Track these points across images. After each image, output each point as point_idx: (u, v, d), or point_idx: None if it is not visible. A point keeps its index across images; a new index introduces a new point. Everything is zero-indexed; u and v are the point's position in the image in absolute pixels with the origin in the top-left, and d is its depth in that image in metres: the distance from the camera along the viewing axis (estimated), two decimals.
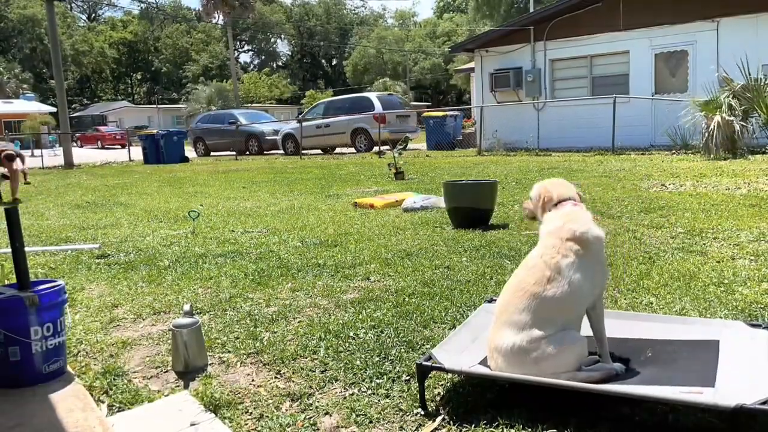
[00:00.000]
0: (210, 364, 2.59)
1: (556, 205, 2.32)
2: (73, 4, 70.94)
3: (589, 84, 15.61)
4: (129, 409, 2.25)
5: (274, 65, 71.17)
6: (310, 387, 2.32)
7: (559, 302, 2.08)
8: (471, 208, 5.40)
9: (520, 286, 2.12)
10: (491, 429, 1.94)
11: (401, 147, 12.26)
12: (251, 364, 2.58)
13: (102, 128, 42.57)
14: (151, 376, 2.53)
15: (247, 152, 21.96)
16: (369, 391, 2.26)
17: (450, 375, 2.26)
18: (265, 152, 22.05)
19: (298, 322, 3.05)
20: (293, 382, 2.38)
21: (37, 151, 25.74)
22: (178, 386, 2.42)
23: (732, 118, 10.83)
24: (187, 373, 2.50)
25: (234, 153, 20.85)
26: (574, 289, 2.09)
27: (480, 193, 5.58)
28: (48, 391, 2.29)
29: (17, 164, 8.33)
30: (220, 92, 43.74)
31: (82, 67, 62.83)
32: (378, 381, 2.33)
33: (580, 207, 2.30)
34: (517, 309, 2.08)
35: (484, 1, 42.31)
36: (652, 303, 3.08)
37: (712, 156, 10.74)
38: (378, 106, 19.08)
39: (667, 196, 6.65)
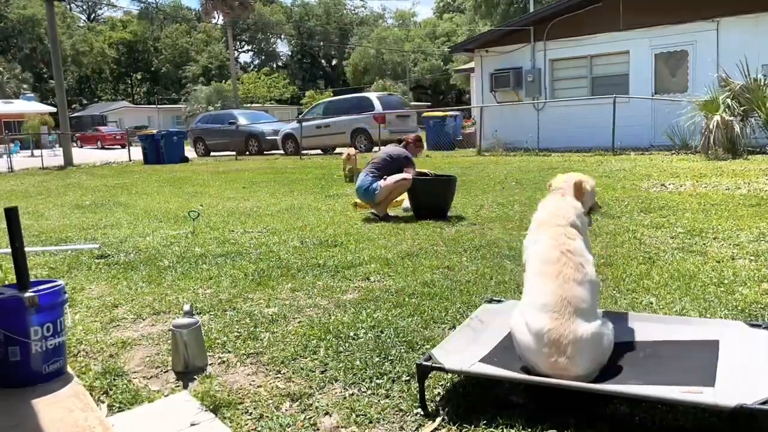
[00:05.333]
0: (210, 364, 2.59)
1: None
2: (72, 4, 70.92)
3: (589, 84, 15.61)
4: (129, 409, 2.25)
5: (274, 65, 71.15)
6: (310, 387, 2.32)
7: (596, 283, 2.21)
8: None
9: (566, 278, 2.12)
10: (491, 429, 1.94)
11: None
12: (251, 364, 2.58)
13: (102, 128, 42.48)
14: (151, 376, 2.53)
15: (247, 152, 21.94)
16: (369, 392, 2.26)
17: (450, 375, 2.26)
18: (265, 152, 22.03)
19: (298, 322, 3.05)
20: (293, 382, 2.38)
21: (37, 151, 25.71)
22: (178, 386, 2.42)
23: (732, 118, 10.83)
24: (187, 374, 2.50)
25: (234, 153, 20.84)
26: (594, 266, 2.23)
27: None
28: (48, 391, 2.29)
29: None
30: (220, 92, 43.70)
31: (82, 67, 62.80)
32: (378, 381, 2.33)
33: (565, 197, 2.43)
34: (580, 299, 2.09)
35: (483, 1, 42.25)
36: (652, 303, 3.08)
37: (711, 156, 10.74)
38: (378, 106, 19.07)
39: (667, 196, 6.65)
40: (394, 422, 2.04)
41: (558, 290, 2.09)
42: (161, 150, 18.31)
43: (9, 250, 2.52)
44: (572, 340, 2.02)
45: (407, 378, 2.32)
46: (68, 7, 66.92)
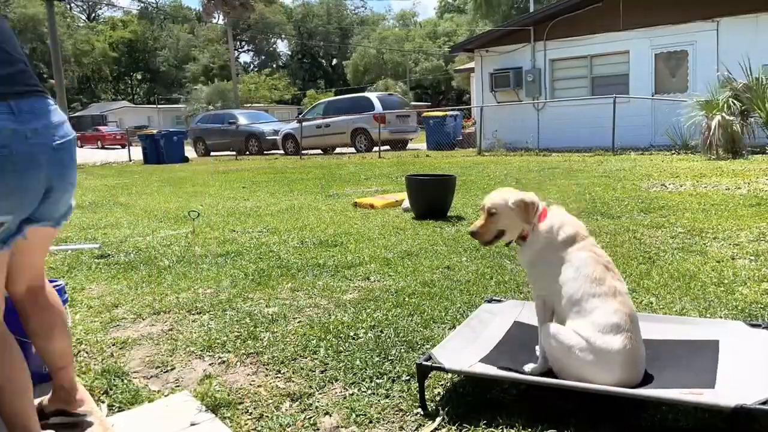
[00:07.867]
0: (210, 364, 2.59)
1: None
2: (72, 4, 70.93)
3: (589, 84, 15.62)
4: (129, 409, 2.25)
5: (274, 65, 71.14)
6: (310, 387, 2.32)
7: None
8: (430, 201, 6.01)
9: (623, 293, 2.10)
10: (491, 429, 1.94)
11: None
12: (251, 364, 2.58)
13: (102, 128, 42.49)
14: (151, 376, 2.53)
15: (247, 152, 21.97)
16: (369, 391, 2.26)
17: (450, 375, 2.26)
18: (265, 152, 22.05)
19: (298, 322, 3.05)
20: (293, 382, 2.38)
21: None
22: (178, 386, 2.42)
23: (732, 118, 10.84)
24: None
25: (234, 153, 20.85)
26: None
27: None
28: (47, 392, 2.29)
29: None
30: (220, 92, 43.72)
31: (83, 67, 62.82)
32: (378, 381, 2.33)
33: (553, 207, 2.32)
34: (634, 310, 2.11)
35: (484, 1, 42.23)
36: (652, 303, 3.08)
37: (712, 156, 10.75)
38: (378, 106, 19.08)
39: (667, 196, 6.65)
40: (394, 422, 2.04)
41: (622, 308, 2.05)
42: (161, 150, 18.32)
43: None
44: (643, 354, 2.05)
45: (407, 378, 2.32)
46: (68, 6, 66.93)
